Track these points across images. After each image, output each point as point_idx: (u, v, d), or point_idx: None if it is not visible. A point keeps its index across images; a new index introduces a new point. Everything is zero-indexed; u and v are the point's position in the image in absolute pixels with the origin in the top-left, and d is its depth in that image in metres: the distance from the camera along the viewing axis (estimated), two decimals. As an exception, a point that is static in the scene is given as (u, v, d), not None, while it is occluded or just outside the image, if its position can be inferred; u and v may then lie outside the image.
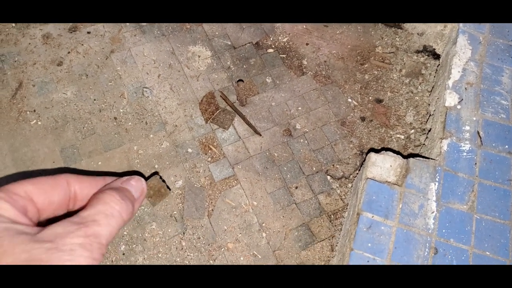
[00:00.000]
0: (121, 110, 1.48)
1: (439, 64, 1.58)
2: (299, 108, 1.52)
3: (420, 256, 1.09)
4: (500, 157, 1.23)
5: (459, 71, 1.38)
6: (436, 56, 1.61)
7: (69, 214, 0.35)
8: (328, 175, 1.42)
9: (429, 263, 1.09)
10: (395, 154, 1.24)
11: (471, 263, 1.09)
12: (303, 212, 1.36)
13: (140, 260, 1.27)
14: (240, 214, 1.35)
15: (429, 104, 1.52)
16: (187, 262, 1.28)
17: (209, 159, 1.42)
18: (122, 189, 0.34)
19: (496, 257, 1.10)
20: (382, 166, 1.21)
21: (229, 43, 1.63)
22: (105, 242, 0.29)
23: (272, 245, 1.31)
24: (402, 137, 1.49)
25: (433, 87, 1.54)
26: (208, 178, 1.39)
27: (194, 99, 1.52)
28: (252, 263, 1.29)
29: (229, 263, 1.28)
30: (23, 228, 0.27)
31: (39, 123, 1.44)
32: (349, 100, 1.55)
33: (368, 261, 1.08)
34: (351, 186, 1.40)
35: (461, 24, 1.47)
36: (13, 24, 1.59)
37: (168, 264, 1.27)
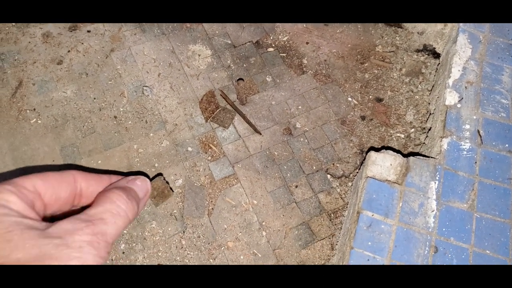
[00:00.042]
0: (121, 109, 1.48)
1: (439, 63, 1.58)
2: (299, 107, 1.52)
3: (420, 255, 1.09)
4: (500, 156, 1.23)
5: (459, 70, 1.38)
6: (436, 55, 1.61)
7: (73, 211, 0.35)
8: (328, 173, 1.42)
9: (429, 262, 1.09)
10: (395, 153, 1.24)
11: (471, 262, 1.09)
12: (303, 211, 1.36)
13: (140, 259, 1.27)
14: (240, 213, 1.34)
15: (429, 103, 1.52)
16: (187, 261, 1.28)
17: (209, 158, 1.42)
18: (128, 189, 0.34)
19: (496, 256, 1.10)
20: (382, 164, 1.21)
21: (229, 42, 1.63)
22: (111, 240, 0.29)
23: (272, 244, 1.31)
24: (402, 136, 1.49)
25: (433, 86, 1.54)
26: (208, 177, 1.39)
27: (194, 98, 1.52)
28: (252, 262, 1.29)
29: (229, 262, 1.28)
30: (32, 223, 0.27)
31: (39, 121, 1.44)
32: (349, 99, 1.55)
33: (368, 260, 1.08)
34: (351, 185, 1.40)
35: (461, 23, 1.47)
36: (13, 23, 1.59)
37: (168, 262, 1.27)
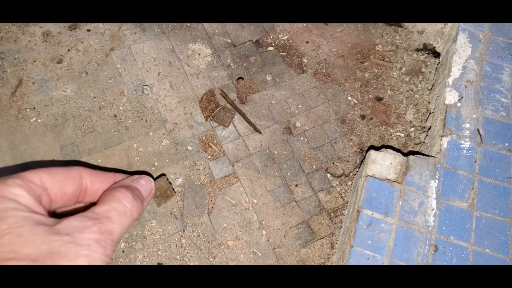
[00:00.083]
0: (121, 108, 1.48)
1: (439, 62, 1.58)
2: (299, 106, 1.52)
3: (420, 254, 1.09)
4: (500, 155, 1.23)
5: (459, 69, 1.38)
6: (436, 54, 1.61)
7: (77, 208, 0.35)
8: (328, 173, 1.42)
9: (429, 261, 1.09)
10: (395, 152, 1.24)
11: (471, 261, 1.09)
12: (303, 209, 1.36)
13: (139, 258, 1.27)
14: (240, 212, 1.34)
15: (429, 102, 1.52)
16: (186, 259, 1.28)
17: (209, 156, 1.42)
18: (133, 188, 0.34)
19: (496, 255, 1.10)
20: (382, 163, 1.21)
21: (229, 41, 1.63)
22: (117, 239, 0.29)
23: (272, 243, 1.31)
24: (402, 135, 1.49)
25: (433, 85, 1.54)
26: (208, 175, 1.39)
27: (194, 97, 1.52)
28: (252, 261, 1.29)
29: (229, 261, 1.28)
30: (40, 218, 0.26)
31: (39, 120, 1.44)
32: (349, 98, 1.55)
33: (368, 259, 1.08)
34: (351, 184, 1.40)
35: (461, 23, 1.47)
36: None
37: (168, 261, 1.27)
